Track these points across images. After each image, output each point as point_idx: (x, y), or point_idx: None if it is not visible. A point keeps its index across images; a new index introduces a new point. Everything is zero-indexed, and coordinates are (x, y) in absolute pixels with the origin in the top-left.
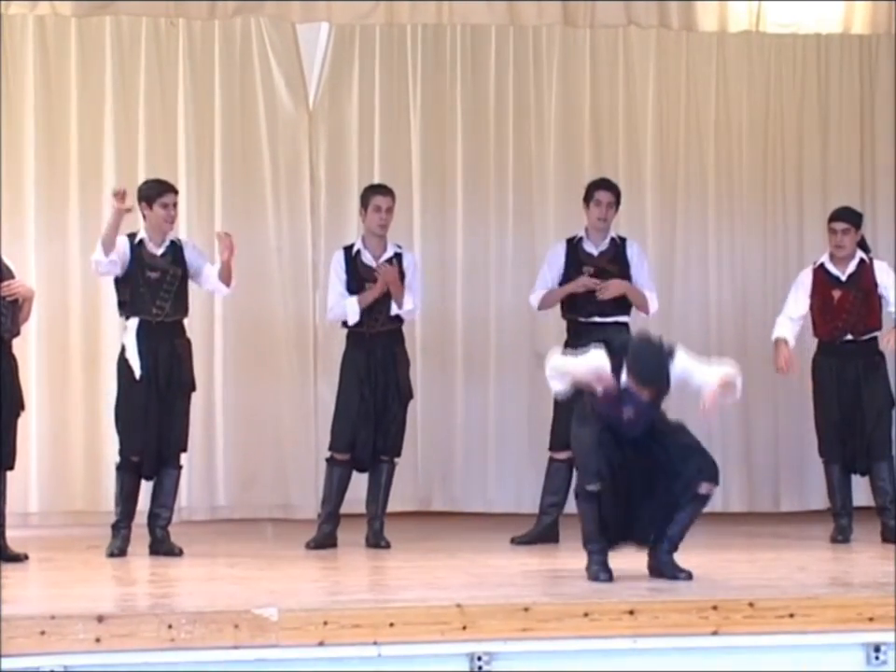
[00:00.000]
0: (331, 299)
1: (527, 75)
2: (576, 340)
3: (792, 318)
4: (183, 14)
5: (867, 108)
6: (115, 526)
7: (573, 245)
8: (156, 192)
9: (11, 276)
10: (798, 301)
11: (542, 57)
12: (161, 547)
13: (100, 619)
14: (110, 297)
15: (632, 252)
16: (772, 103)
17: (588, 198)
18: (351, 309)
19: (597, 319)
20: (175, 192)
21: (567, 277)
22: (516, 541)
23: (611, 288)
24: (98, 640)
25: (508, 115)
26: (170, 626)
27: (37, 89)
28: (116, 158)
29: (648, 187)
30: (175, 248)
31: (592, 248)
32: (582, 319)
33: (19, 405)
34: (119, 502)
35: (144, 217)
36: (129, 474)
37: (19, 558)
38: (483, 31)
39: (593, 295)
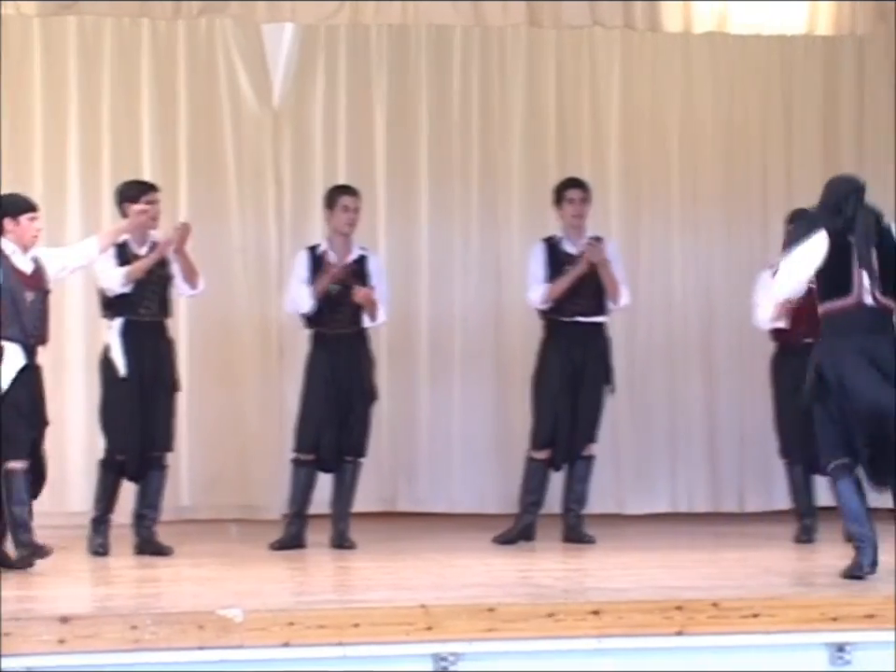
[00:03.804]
0: (290, 292)
1: (492, 75)
2: (555, 339)
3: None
4: (147, 14)
5: (830, 109)
6: (96, 522)
7: (552, 246)
8: (139, 192)
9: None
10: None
11: (507, 57)
12: (149, 547)
13: (64, 620)
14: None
15: (610, 250)
16: (736, 103)
17: (560, 198)
18: (304, 297)
19: (579, 319)
20: (157, 191)
21: (548, 277)
22: (498, 541)
23: (601, 252)
24: (62, 642)
25: (473, 115)
26: (134, 627)
27: (1, 89)
28: (80, 158)
29: (613, 186)
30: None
31: (571, 248)
32: (565, 319)
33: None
34: (102, 499)
35: (126, 217)
36: (112, 473)
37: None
38: (448, 31)
39: (576, 295)
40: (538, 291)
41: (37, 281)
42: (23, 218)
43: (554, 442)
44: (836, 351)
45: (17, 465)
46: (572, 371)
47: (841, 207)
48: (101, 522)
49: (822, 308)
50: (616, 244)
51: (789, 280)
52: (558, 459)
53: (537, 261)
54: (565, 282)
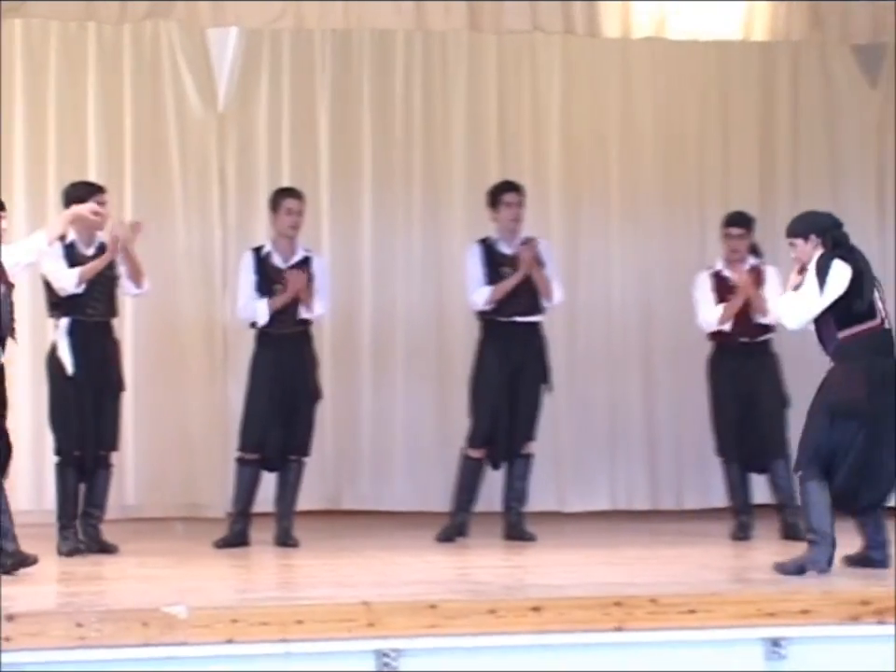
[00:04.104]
0: (241, 298)
1: (434, 79)
2: (492, 339)
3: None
4: (94, 17)
5: (767, 113)
6: (64, 527)
7: (488, 247)
8: (88, 193)
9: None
10: (709, 303)
11: (449, 62)
12: (95, 545)
13: (10, 618)
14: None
15: (543, 249)
16: (674, 107)
17: (496, 202)
18: (261, 311)
19: (516, 319)
20: (105, 192)
21: (486, 278)
22: (439, 539)
23: (532, 249)
24: (8, 639)
25: (415, 118)
26: (79, 625)
27: None
28: (27, 160)
29: (553, 189)
30: (105, 249)
31: (507, 249)
32: (502, 319)
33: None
34: (65, 503)
35: None
36: (71, 471)
37: None
38: (391, 36)
39: (513, 296)
40: (482, 294)
41: (3, 276)
42: None
43: (492, 441)
44: (889, 371)
45: None
46: (510, 370)
47: (839, 240)
48: (68, 527)
49: (848, 332)
50: (548, 243)
51: (811, 310)
52: (497, 458)
53: (474, 263)
54: (508, 285)
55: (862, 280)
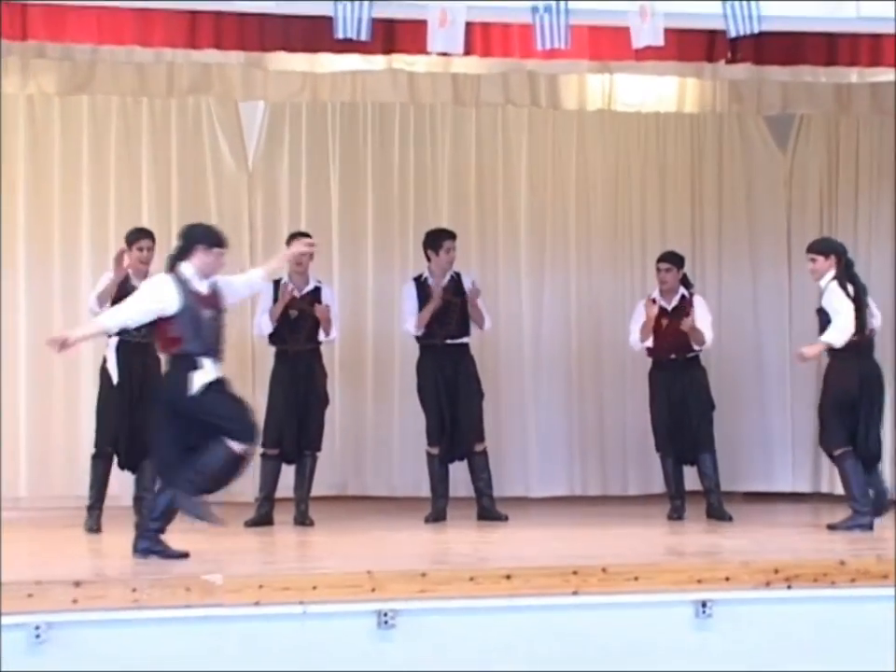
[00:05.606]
0: (257, 318)
1: (425, 142)
2: (428, 358)
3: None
4: (146, 92)
5: (696, 172)
6: (90, 508)
7: (420, 283)
8: (133, 238)
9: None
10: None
11: (437, 130)
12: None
13: (77, 584)
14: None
15: (467, 283)
16: (621, 168)
17: (437, 246)
18: (264, 323)
19: (448, 341)
20: (148, 237)
21: (418, 311)
22: (427, 520)
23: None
24: (75, 601)
25: (409, 175)
26: (134, 590)
27: (26, 157)
28: (90, 212)
29: (522, 235)
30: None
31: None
32: (437, 342)
33: None
34: (94, 486)
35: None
36: (103, 462)
37: None
38: (389, 108)
39: (444, 321)
40: (412, 323)
41: (212, 300)
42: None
43: (441, 441)
44: (873, 368)
45: None
46: (444, 384)
47: (849, 263)
48: (94, 508)
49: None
50: (470, 276)
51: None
52: (447, 456)
53: (409, 298)
54: (427, 313)
55: (859, 303)
